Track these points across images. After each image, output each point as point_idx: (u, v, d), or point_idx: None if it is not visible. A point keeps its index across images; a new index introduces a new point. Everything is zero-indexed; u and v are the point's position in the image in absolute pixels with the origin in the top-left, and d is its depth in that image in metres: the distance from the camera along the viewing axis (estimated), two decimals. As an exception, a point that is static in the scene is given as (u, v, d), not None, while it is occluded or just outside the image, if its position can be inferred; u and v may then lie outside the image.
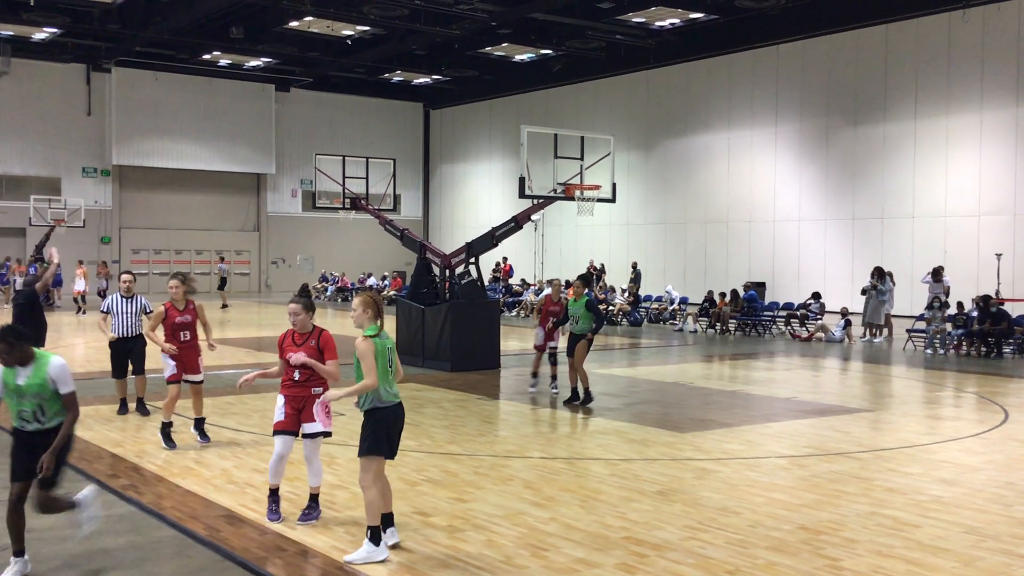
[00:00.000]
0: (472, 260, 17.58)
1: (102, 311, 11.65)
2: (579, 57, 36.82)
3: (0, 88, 37.89)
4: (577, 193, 17.14)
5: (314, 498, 7.33)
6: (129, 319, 11.68)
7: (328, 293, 39.44)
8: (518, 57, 38.52)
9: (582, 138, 17.54)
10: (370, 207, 20.69)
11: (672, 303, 27.96)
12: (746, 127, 32.78)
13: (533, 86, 40.26)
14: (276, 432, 7.27)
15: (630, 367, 17.97)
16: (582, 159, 17.32)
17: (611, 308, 27.92)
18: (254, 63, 40.34)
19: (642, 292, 30.05)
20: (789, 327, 24.53)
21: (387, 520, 6.67)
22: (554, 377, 14.14)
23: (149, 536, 6.78)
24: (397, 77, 43.62)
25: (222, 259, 38.39)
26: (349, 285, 39.78)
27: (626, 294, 28.78)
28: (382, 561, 6.35)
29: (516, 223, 17.25)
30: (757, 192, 32.52)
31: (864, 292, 23.45)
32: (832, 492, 8.33)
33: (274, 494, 7.31)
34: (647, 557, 6.52)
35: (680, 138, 35.03)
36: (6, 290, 32.03)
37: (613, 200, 17.91)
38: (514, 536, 6.98)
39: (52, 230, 33.29)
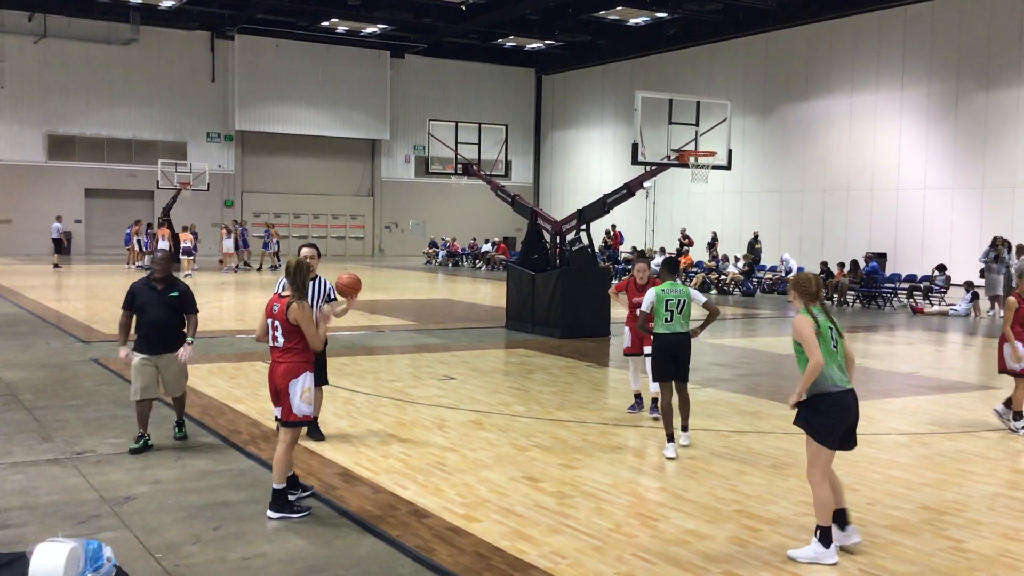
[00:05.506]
0: (583, 227, 17.49)
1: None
2: (695, 20, 36.02)
3: (129, 55, 39.38)
4: (691, 160, 16.85)
5: (638, 397, 10.24)
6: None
7: (439, 258, 39.89)
8: (632, 21, 37.92)
9: (697, 103, 17.19)
10: (482, 173, 20.77)
11: (787, 272, 27.32)
12: (870, 92, 31.56)
13: (647, 50, 39.59)
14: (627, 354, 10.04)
15: (744, 338, 17.63)
16: (697, 125, 16.99)
17: (723, 277, 27.76)
18: (370, 29, 40.85)
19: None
20: (911, 300, 23.67)
21: (840, 517, 5.97)
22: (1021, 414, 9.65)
23: (268, 491, 6.98)
24: (510, 43, 43.54)
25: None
26: (459, 250, 40.16)
27: (740, 263, 28.27)
28: (832, 564, 5.72)
29: (628, 190, 17.08)
30: (880, 159, 31.34)
31: (982, 273, 22.60)
32: (956, 472, 8.02)
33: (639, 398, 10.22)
34: (760, 531, 6.41)
35: (800, 103, 33.99)
36: (131, 252, 33.20)
37: (728, 167, 17.57)
38: (623, 505, 6.95)
39: (178, 193, 34.59)
